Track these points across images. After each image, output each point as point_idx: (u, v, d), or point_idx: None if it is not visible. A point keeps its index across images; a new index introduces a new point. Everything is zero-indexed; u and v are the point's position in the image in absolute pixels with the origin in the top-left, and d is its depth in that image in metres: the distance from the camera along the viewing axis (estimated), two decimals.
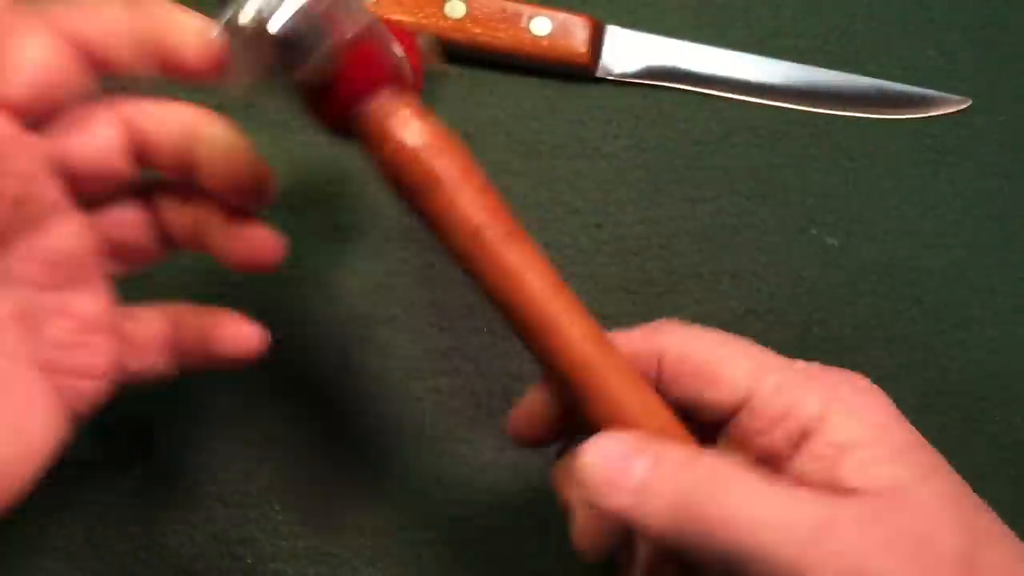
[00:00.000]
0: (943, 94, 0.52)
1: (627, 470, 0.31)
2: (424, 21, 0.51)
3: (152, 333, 0.36)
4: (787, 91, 0.52)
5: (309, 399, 0.46)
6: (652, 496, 0.30)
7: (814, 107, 0.52)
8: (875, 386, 0.33)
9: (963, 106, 0.52)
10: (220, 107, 0.37)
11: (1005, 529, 0.31)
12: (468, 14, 0.51)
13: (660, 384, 0.35)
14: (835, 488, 0.30)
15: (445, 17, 0.51)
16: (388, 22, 0.38)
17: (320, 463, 0.45)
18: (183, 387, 0.42)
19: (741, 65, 0.52)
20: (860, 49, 0.53)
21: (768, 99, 0.52)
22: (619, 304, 0.48)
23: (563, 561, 0.44)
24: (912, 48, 0.53)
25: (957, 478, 0.31)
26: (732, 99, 0.52)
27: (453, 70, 0.51)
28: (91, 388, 0.33)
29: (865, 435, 0.31)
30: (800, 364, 0.34)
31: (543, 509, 0.45)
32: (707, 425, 0.34)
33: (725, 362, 0.34)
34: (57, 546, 0.43)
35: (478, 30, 0.51)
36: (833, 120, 0.52)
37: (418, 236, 0.49)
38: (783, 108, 0.52)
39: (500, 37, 0.51)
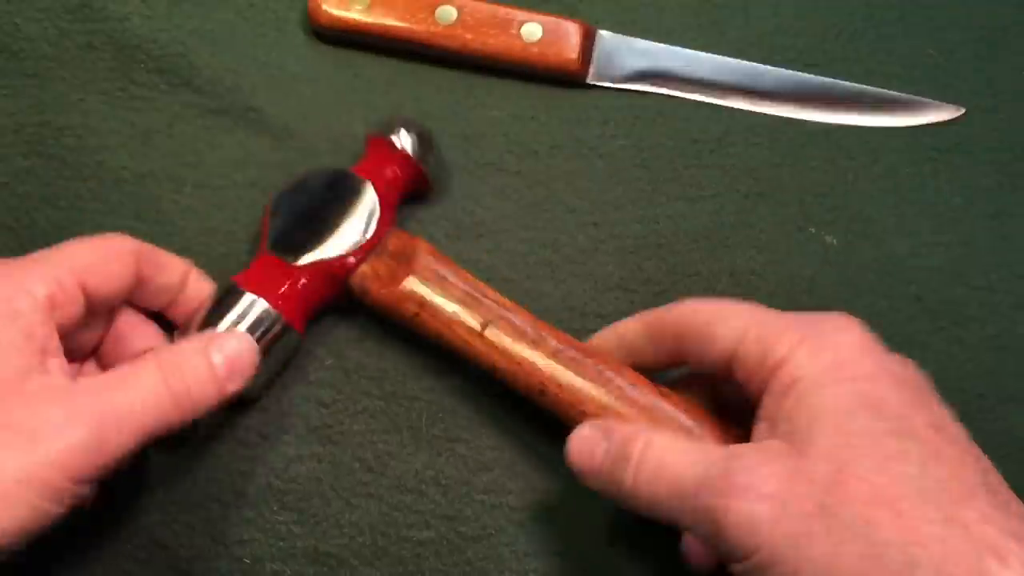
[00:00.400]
0: (938, 102, 0.52)
1: (592, 454, 0.38)
2: (415, 26, 0.51)
3: None
4: (780, 97, 0.52)
5: (306, 399, 0.46)
6: (608, 474, 0.37)
7: (808, 114, 0.52)
8: (852, 323, 0.37)
9: (957, 114, 0.52)
10: None
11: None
12: (459, 19, 0.51)
13: (678, 353, 0.40)
14: (780, 423, 0.35)
15: (436, 22, 0.51)
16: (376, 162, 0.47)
17: (319, 463, 0.45)
18: None
19: (734, 70, 0.52)
20: (859, 48, 0.53)
21: (761, 106, 0.52)
22: (617, 303, 0.48)
23: (562, 561, 0.44)
24: (911, 48, 0.54)
25: (892, 411, 0.34)
26: (725, 106, 0.52)
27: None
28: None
29: (814, 369, 0.35)
30: (789, 315, 0.38)
31: (543, 509, 0.45)
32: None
33: (717, 322, 0.38)
34: (57, 546, 0.43)
35: (469, 35, 0.51)
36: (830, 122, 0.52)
37: (414, 233, 0.49)
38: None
39: (491, 43, 0.51)
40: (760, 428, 0.36)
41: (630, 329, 0.42)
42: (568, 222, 0.50)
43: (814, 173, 0.51)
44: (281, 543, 0.43)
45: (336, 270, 0.44)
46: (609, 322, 0.46)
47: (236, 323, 0.42)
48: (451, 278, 0.44)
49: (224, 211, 0.49)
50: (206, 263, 0.47)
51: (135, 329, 0.43)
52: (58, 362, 0.37)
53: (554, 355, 0.42)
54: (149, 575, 0.43)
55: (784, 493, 0.32)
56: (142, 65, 0.51)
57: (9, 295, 0.37)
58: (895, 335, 0.47)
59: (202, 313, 0.42)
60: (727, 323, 0.38)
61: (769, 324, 0.37)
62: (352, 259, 0.44)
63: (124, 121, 0.50)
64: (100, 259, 0.40)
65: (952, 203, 0.50)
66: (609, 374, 0.42)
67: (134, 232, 0.48)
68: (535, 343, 0.43)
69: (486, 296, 0.44)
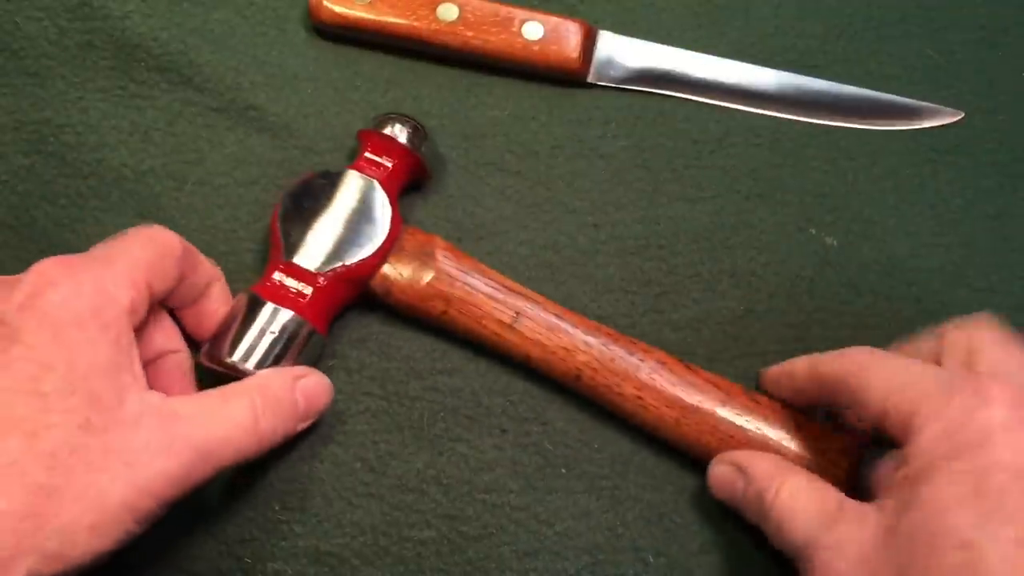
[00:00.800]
0: (937, 106, 0.52)
1: (732, 491, 0.41)
2: (417, 23, 0.51)
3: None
4: (780, 100, 0.52)
5: None
6: (752, 513, 0.40)
7: (807, 117, 0.52)
8: (1005, 393, 0.35)
9: (956, 119, 0.52)
10: None
11: None
12: (461, 17, 0.51)
13: (837, 401, 0.40)
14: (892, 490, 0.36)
15: (437, 20, 0.51)
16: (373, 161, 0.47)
17: (321, 463, 0.45)
18: None
19: (734, 72, 0.52)
20: (859, 49, 0.53)
21: (761, 108, 0.52)
22: (617, 304, 0.48)
23: (562, 560, 0.44)
24: (911, 49, 0.54)
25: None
26: (725, 107, 0.52)
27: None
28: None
29: (935, 450, 0.34)
30: (944, 377, 0.36)
31: (542, 508, 0.45)
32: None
33: (871, 379, 0.38)
34: None
35: (470, 33, 0.51)
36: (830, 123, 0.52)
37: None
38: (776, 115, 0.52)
39: (492, 41, 0.51)
40: (881, 486, 0.38)
41: (798, 368, 0.43)
42: (568, 223, 0.50)
43: (814, 174, 0.51)
44: (283, 542, 0.44)
45: (358, 274, 0.44)
46: (609, 323, 0.46)
47: (264, 334, 0.42)
48: (473, 273, 0.45)
49: (225, 209, 0.49)
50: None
51: (157, 322, 0.43)
52: (143, 373, 0.37)
53: (585, 341, 0.44)
54: (150, 575, 0.43)
55: (862, 561, 0.34)
56: (142, 63, 0.51)
57: (97, 304, 0.36)
58: (895, 337, 0.48)
59: (233, 327, 0.42)
60: (877, 389, 0.38)
61: (917, 390, 0.36)
62: (373, 261, 0.44)
63: (124, 119, 0.50)
64: (159, 257, 0.40)
65: (952, 204, 0.51)
66: (639, 356, 0.44)
67: None
68: (566, 332, 0.44)
69: (510, 288, 0.45)
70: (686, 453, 0.45)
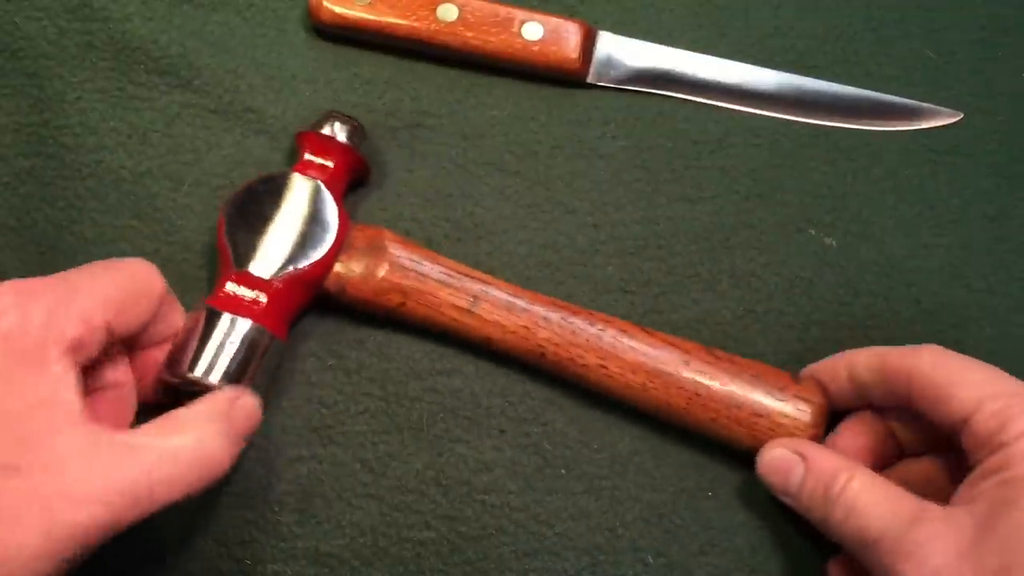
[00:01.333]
0: (936, 107, 0.52)
1: (787, 478, 0.41)
2: (416, 24, 0.51)
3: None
4: (779, 101, 0.52)
5: (307, 400, 0.46)
6: (806, 503, 0.40)
7: (806, 117, 0.52)
8: None
9: (954, 119, 0.52)
10: None
11: None
12: (460, 18, 0.51)
13: (907, 400, 0.40)
14: (980, 498, 0.36)
15: (437, 20, 0.51)
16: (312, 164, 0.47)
17: (320, 464, 0.45)
18: None
19: (733, 73, 0.52)
20: (858, 49, 0.53)
21: (760, 108, 0.52)
22: (617, 304, 0.48)
23: (562, 561, 0.44)
24: (910, 50, 0.54)
25: None
26: (724, 107, 0.52)
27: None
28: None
29: None
30: None
31: (542, 509, 0.45)
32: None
33: (958, 384, 0.38)
34: None
35: (470, 34, 0.51)
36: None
37: (414, 233, 0.49)
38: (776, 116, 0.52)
39: (492, 41, 0.51)
40: (962, 493, 0.37)
41: (861, 361, 0.43)
42: (568, 223, 0.50)
43: (814, 175, 0.51)
44: (282, 544, 0.44)
45: (311, 276, 0.44)
46: None
47: (224, 345, 0.41)
48: (426, 262, 0.45)
49: None
50: (205, 263, 0.47)
51: (109, 358, 0.41)
52: (81, 408, 0.35)
53: (545, 317, 0.44)
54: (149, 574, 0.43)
55: (948, 572, 0.34)
56: (141, 65, 0.51)
57: (41, 339, 0.35)
58: (894, 337, 0.48)
59: (192, 341, 0.41)
60: (968, 389, 0.38)
61: (1010, 401, 0.37)
62: (325, 262, 0.44)
63: (123, 120, 0.50)
64: (130, 296, 0.39)
65: (951, 205, 0.51)
66: (600, 326, 0.44)
67: (133, 231, 0.48)
68: (524, 310, 0.44)
69: (464, 273, 0.45)
70: (656, 417, 0.45)
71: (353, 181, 0.49)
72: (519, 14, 0.51)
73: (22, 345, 0.35)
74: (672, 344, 0.44)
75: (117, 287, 0.39)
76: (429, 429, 0.46)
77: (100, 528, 0.34)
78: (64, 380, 0.35)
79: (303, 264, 0.43)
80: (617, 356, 0.44)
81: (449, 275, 0.45)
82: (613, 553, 0.44)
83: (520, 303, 0.45)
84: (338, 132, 0.47)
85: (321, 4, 0.51)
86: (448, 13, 0.51)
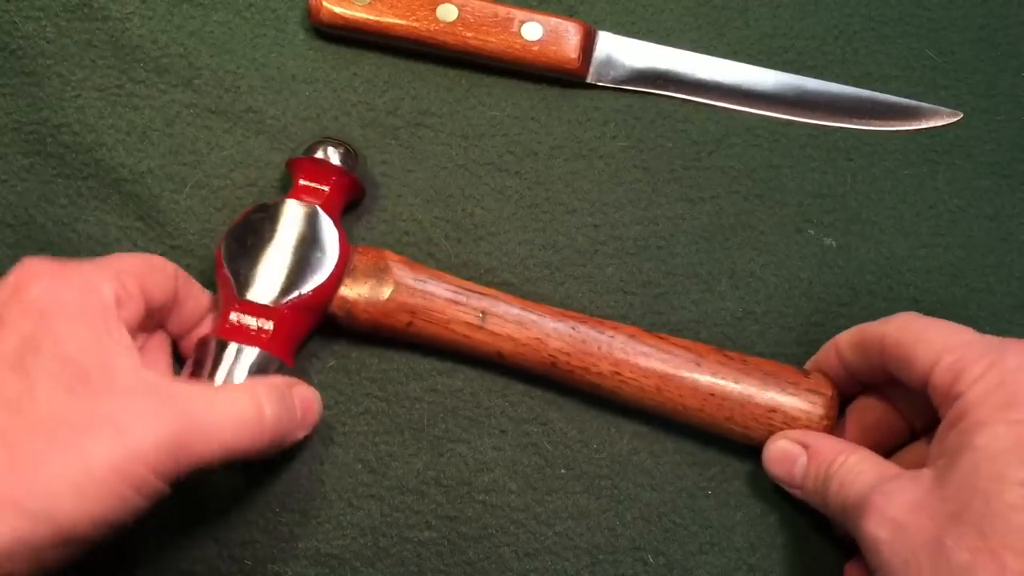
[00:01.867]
0: (936, 107, 0.52)
1: (791, 469, 0.42)
2: (416, 24, 0.51)
3: None
4: (778, 101, 0.52)
5: None
6: (811, 492, 0.41)
7: (805, 117, 0.52)
8: None
9: (954, 119, 0.52)
10: None
11: None
12: (460, 18, 0.51)
13: (883, 367, 0.41)
14: (942, 453, 0.36)
15: (437, 20, 0.51)
16: (306, 188, 0.47)
17: (321, 464, 0.45)
18: None
19: (732, 73, 0.52)
20: (858, 50, 0.53)
21: (760, 108, 0.52)
22: (616, 305, 0.48)
23: (562, 561, 0.44)
24: (910, 50, 0.54)
25: None
26: (724, 107, 0.52)
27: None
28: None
29: (985, 405, 0.35)
30: (990, 342, 0.37)
31: (542, 509, 0.45)
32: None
33: (918, 343, 0.38)
34: None
35: (469, 34, 0.51)
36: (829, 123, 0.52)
37: (413, 234, 0.49)
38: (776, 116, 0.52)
39: (491, 41, 0.51)
40: (932, 450, 0.38)
41: (845, 340, 0.43)
42: (567, 223, 0.50)
43: (813, 175, 0.51)
44: (283, 544, 0.44)
45: (315, 301, 0.44)
46: None
47: (232, 376, 0.41)
48: (431, 281, 0.45)
49: (223, 211, 0.49)
50: (205, 263, 0.47)
51: (158, 342, 0.44)
52: (138, 355, 0.37)
53: (554, 328, 0.44)
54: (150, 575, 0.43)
55: (904, 520, 0.35)
56: (141, 64, 0.51)
57: (80, 295, 0.37)
58: None
59: (203, 374, 0.42)
60: (926, 346, 0.38)
61: (964, 352, 0.37)
62: (328, 286, 0.44)
63: (122, 119, 0.50)
64: (150, 268, 0.41)
65: (950, 205, 0.51)
66: (609, 333, 0.44)
67: (133, 231, 0.48)
68: (533, 322, 0.44)
69: (470, 289, 0.45)
70: (671, 419, 0.45)
71: (348, 203, 0.48)
72: (519, 14, 0.51)
73: (63, 299, 0.36)
74: (683, 347, 0.44)
75: (135, 258, 0.41)
76: (429, 429, 0.46)
77: (168, 452, 0.35)
78: (114, 328, 0.37)
79: (306, 289, 0.43)
80: (629, 362, 0.44)
81: (455, 292, 0.45)
82: (613, 553, 0.44)
83: (529, 315, 0.45)
84: (331, 156, 0.47)
85: (321, 4, 0.51)
86: (448, 13, 0.51)
